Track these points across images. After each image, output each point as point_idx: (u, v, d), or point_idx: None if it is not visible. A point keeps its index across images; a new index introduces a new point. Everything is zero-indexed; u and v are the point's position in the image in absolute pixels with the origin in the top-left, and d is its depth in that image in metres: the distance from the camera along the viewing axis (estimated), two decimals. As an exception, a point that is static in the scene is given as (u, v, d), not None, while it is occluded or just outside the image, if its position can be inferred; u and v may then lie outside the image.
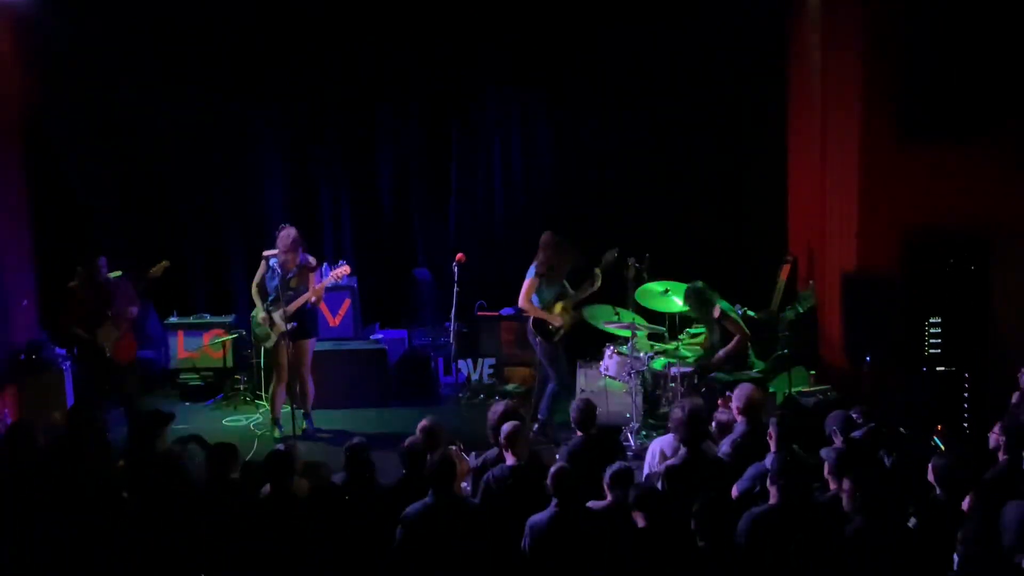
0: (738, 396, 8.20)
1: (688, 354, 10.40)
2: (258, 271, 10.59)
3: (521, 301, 10.53)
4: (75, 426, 8.40)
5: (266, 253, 10.56)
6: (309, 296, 10.41)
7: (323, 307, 11.80)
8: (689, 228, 12.48)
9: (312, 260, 10.54)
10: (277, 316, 10.41)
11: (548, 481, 6.83)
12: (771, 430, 7.52)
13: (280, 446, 7.69)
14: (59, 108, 11.81)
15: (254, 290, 10.62)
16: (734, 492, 7.33)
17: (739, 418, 8.11)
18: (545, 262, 10.44)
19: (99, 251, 10.37)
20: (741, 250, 12.23)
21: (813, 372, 10.40)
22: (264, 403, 11.39)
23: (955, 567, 5.91)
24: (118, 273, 10.49)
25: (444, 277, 11.02)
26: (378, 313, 12.77)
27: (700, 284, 10.31)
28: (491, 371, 12.34)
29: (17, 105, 11.39)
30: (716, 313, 10.23)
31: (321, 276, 10.76)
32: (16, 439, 8.09)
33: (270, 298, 10.47)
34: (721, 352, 10.23)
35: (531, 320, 10.54)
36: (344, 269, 10.64)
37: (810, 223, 11.51)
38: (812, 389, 9.94)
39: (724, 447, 7.99)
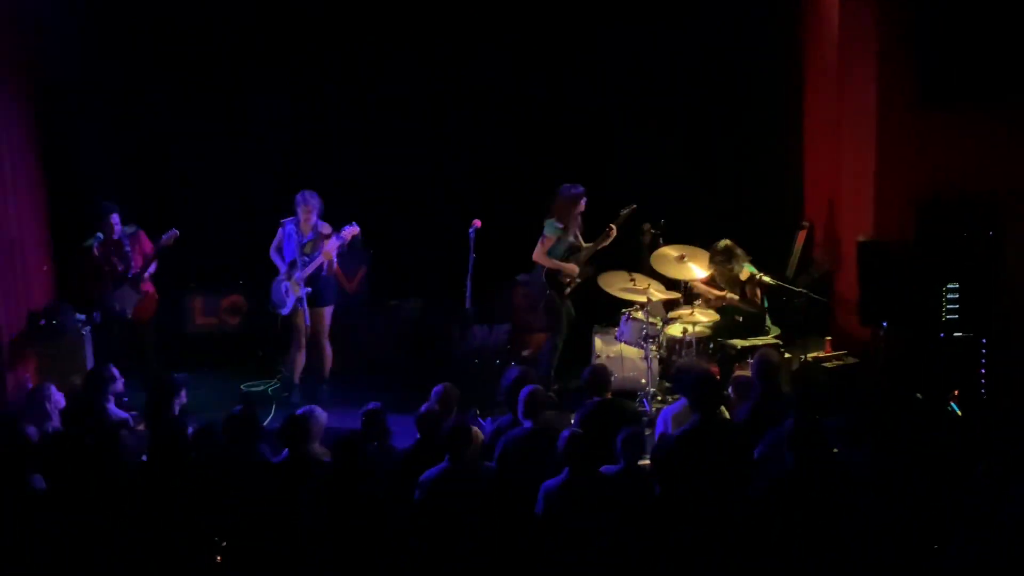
0: (756, 361, 8.23)
1: (704, 319, 10.40)
2: (276, 237, 10.67)
3: (536, 255, 10.68)
4: (92, 390, 8.46)
5: (284, 220, 10.64)
6: (321, 260, 10.46)
7: (339, 273, 11.84)
8: (705, 194, 12.43)
9: (327, 227, 10.59)
10: (293, 281, 10.49)
11: (560, 446, 6.86)
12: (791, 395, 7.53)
13: (300, 411, 7.73)
14: (73, 77, 11.79)
15: (272, 254, 10.69)
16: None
17: (756, 382, 8.13)
18: (560, 218, 10.71)
19: (112, 209, 10.39)
20: (757, 216, 12.17)
21: (829, 338, 10.40)
22: (282, 368, 11.45)
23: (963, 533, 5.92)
24: (132, 228, 10.50)
25: (460, 244, 11.01)
26: (393, 280, 12.76)
27: (728, 242, 10.34)
28: (506, 337, 12.35)
29: (29, 75, 11.41)
30: (744, 275, 10.22)
31: (335, 241, 10.79)
32: (37, 403, 8.18)
33: (287, 262, 10.55)
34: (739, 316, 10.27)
35: (544, 274, 10.64)
36: (353, 230, 10.66)
37: (826, 189, 11.47)
38: (828, 355, 9.95)
39: (742, 411, 8.01)
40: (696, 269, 10.57)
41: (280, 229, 10.62)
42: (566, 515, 6.70)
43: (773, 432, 7.30)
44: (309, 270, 10.45)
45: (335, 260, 10.63)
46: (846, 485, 6.59)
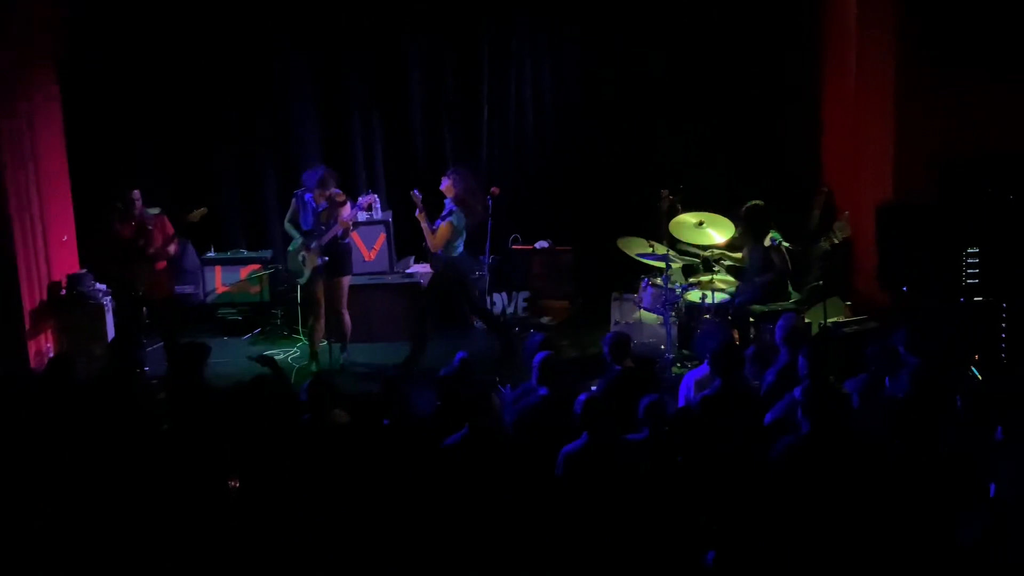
0: (781, 326, 8.20)
1: (723, 285, 10.38)
2: (290, 208, 10.68)
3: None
4: (114, 360, 8.49)
5: (297, 192, 10.65)
6: (337, 229, 10.46)
7: (358, 242, 11.87)
8: (723, 159, 12.39)
9: (342, 194, 10.58)
10: (310, 251, 10.50)
11: (577, 411, 6.85)
12: (802, 360, 7.50)
13: (323, 375, 7.76)
14: (97, 44, 11.81)
15: (287, 226, 10.71)
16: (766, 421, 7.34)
17: (782, 348, 8.10)
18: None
19: (134, 185, 10.41)
20: (775, 181, 12.13)
21: (848, 303, 10.37)
22: (301, 337, 11.48)
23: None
24: (156, 210, 10.53)
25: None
26: (412, 247, 12.78)
27: (760, 203, 10.25)
28: (525, 304, 12.37)
29: (55, 41, 11.40)
30: (767, 241, 10.17)
31: (351, 210, 10.79)
32: (57, 373, 8.21)
33: (304, 232, 10.56)
34: (758, 280, 10.21)
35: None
36: (370, 199, 10.66)
37: (845, 152, 11.41)
38: (848, 320, 9.92)
39: (768, 377, 7.99)
40: (715, 235, 10.54)
41: (294, 200, 10.64)
42: (587, 480, 6.71)
43: (788, 397, 7.28)
44: (326, 239, 10.46)
45: (351, 228, 10.64)
46: (863, 452, 6.58)
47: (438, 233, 10.48)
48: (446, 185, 10.56)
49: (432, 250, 10.64)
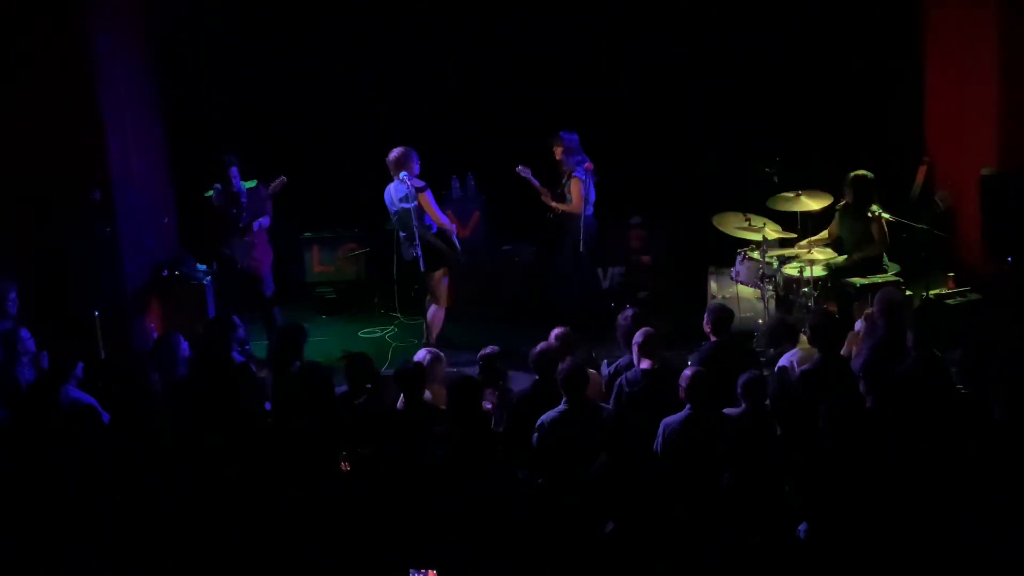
0: (879, 299, 8.09)
1: (821, 258, 10.21)
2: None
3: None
4: (215, 337, 8.59)
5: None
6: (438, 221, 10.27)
7: (452, 218, 11.93)
8: (822, 131, 12.20)
9: (417, 181, 10.19)
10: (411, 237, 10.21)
11: (682, 384, 6.83)
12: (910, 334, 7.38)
13: (421, 353, 7.81)
14: (192, 28, 11.97)
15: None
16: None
17: (880, 321, 7.98)
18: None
19: (232, 162, 10.51)
20: (877, 152, 11.92)
21: (952, 275, 10.16)
22: (397, 315, 11.52)
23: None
24: (252, 182, 10.63)
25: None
26: (507, 224, 12.78)
27: (866, 173, 10.05)
28: (620, 279, 12.32)
29: (150, 27, 11.59)
30: (870, 212, 9.96)
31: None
32: (163, 352, 8.35)
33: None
34: (856, 256, 10.05)
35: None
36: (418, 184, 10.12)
37: (948, 122, 11.18)
38: (951, 291, 9.73)
39: (865, 350, 7.88)
40: (811, 203, 10.37)
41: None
42: (686, 451, 6.70)
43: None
44: (430, 223, 10.26)
45: (440, 217, 10.35)
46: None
47: (575, 193, 10.65)
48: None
49: (576, 211, 10.71)
